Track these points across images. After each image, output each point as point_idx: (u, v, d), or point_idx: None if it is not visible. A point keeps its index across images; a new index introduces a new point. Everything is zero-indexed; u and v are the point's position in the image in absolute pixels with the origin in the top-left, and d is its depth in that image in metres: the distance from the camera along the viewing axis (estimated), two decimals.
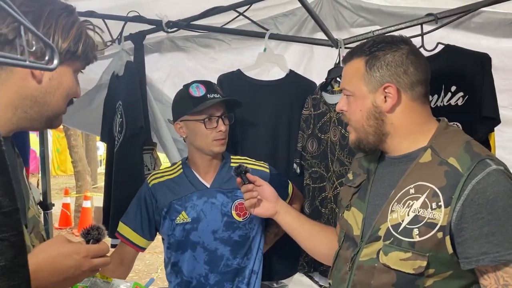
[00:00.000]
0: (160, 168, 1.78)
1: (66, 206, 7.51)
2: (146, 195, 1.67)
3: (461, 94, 1.58)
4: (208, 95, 1.58)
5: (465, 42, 1.65)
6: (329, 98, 1.81)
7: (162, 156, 2.30)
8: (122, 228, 1.68)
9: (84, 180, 7.61)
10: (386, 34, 1.58)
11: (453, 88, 1.60)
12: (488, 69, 1.52)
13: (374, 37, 1.25)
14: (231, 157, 1.72)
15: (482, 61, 1.54)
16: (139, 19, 1.99)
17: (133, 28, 2.06)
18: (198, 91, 1.60)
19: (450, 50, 1.62)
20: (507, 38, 1.68)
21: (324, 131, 1.82)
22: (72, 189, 8.46)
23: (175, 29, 2.02)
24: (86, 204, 7.14)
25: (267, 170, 1.70)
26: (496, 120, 1.53)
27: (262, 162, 1.73)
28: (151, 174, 1.71)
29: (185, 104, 1.61)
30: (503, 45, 1.69)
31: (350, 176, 1.29)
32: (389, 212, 1.05)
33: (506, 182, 0.95)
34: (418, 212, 1.00)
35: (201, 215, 1.61)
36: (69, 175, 11.91)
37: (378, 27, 1.82)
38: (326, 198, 1.81)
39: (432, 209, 0.98)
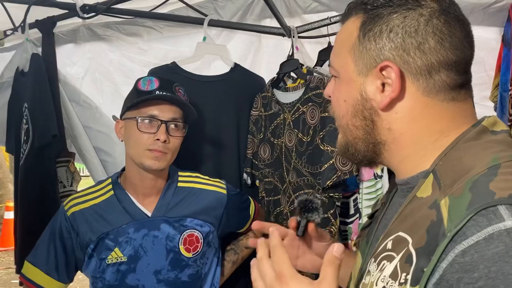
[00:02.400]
0: (82, 190, 1.43)
1: None
2: (63, 227, 1.34)
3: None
4: (157, 91, 1.29)
5: None
6: (282, 96, 1.58)
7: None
8: (29, 270, 1.33)
9: (6, 189, 6.94)
10: None
11: None
12: None
13: None
14: (180, 173, 1.43)
15: None
16: (47, 2, 1.71)
17: (41, 13, 1.77)
18: (148, 85, 1.31)
19: None
20: (479, 26, 1.54)
21: (278, 135, 1.58)
22: None
23: (92, 14, 1.73)
24: (8, 215, 6.51)
25: (224, 191, 1.45)
26: None
27: (218, 180, 1.47)
28: (69, 199, 1.38)
29: (129, 98, 1.33)
30: (475, 33, 1.52)
31: (380, 200, 0.92)
32: (366, 272, 0.70)
33: None
34: (387, 284, 0.62)
35: (140, 252, 1.31)
36: None
37: (335, 13, 1.62)
38: (282, 213, 1.58)
39: (399, 283, 0.59)
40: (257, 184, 1.70)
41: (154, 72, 1.63)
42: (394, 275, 0.60)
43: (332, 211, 1.42)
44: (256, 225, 0.92)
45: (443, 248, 0.54)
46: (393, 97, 0.65)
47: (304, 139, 1.49)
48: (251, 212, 1.52)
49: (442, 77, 0.64)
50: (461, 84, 0.66)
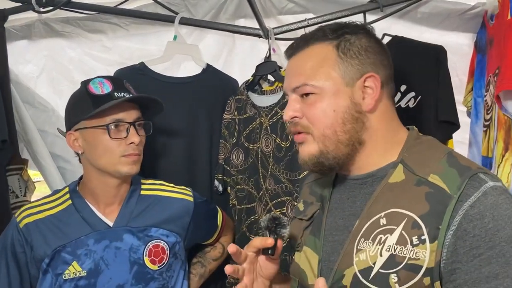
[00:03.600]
0: (36, 200, 1.30)
1: None
2: (15, 241, 1.23)
3: (412, 94, 1.43)
4: (115, 93, 1.21)
5: (407, 34, 1.55)
6: (258, 99, 1.53)
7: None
8: None
9: None
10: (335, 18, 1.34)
11: (403, 88, 1.46)
12: (444, 64, 1.37)
13: (332, 23, 0.94)
14: (142, 181, 1.34)
15: (437, 55, 1.39)
16: None
17: None
18: (101, 88, 1.22)
19: (398, 43, 1.48)
20: (453, 31, 1.57)
21: (253, 140, 1.52)
22: None
23: (49, 8, 1.60)
24: None
25: (190, 199, 1.37)
26: (455, 125, 1.35)
27: (183, 187, 1.39)
28: (22, 209, 1.27)
29: (82, 106, 1.22)
30: (448, 39, 1.57)
31: (300, 206, 1.03)
32: (355, 251, 0.81)
33: (507, 202, 0.75)
34: (395, 251, 0.77)
35: (101, 265, 1.21)
36: None
37: (311, 15, 1.59)
38: (256, 222, 1.52)
39: (413, 245, 0.75)
40: (229, 191, 1.62)
41: (120, 73, 1.54)
42: (401, 241, 0.76)
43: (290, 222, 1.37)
44: (232, 248, 0.86)
45: (453, 206, 0.74)
46: (376, 98, 0.85)
47: (282, 145, 1.43)
48: (218, 221, 1.46)
49: (390, 85, 0.89)
50: (394, 94, 0.92)
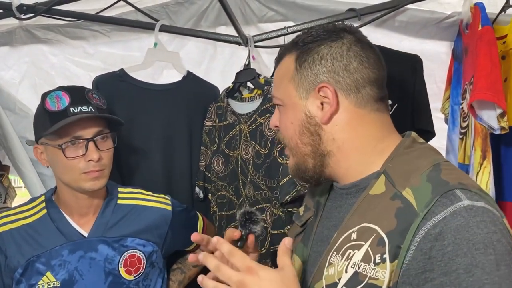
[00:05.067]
0: (12, 208, 1.29)
1: None
2: None
3: (389, 102, 1.40)
4: (71, 108, 1.17)
5: (386, 42, 1.54)
6: (238, 106, 1.53)
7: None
8: None
9: None
10: (325, 23, 1.34)
11: None
12: (420, 73, 1.38)
13: (309, 27, 0.96)
14: (119, 189, 1.33)
15: (413, 64, 1.40)
16: None
17: None
18: (57, 103, 1.18)
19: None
20: (431, 40, 1.59)
21: (233, 147, 1.52)
22: None
23: (30, 15, 1.59)
24: None
25: (169, 208, 1.36)
26: (431, 134, 1.36)
27: (162, 196, 1.38)
28: None
29: (41, 121, 1.20)
30: (427, 47, 1.60)
31: (301, 210, 1.01)
32: (326, 265, 0.78)
33: (480, 226, 0.65)
34: (359, 268, 0.72)
35: (75, 276, 1.20)
36: None
37: (291, 23, 1.60)
38: (236, 229, 1.50)
39: (375, 263, 0.70)
40: (210, 198, 1.63)
41: (99, 80, 1.53)
42: (366, 259, 0.72)
43: (289, 227, 1.38)
44: (196, 236, 0.90)
45: (416, 224, 0.68)
46: (332, 111, 0.80)
47: (261, 151, 1.44)
48: (199, 229, 1.45)
49: (367, 91, 0.80)
50: (382, 97, 0.83)
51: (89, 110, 1.18)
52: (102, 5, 1.63)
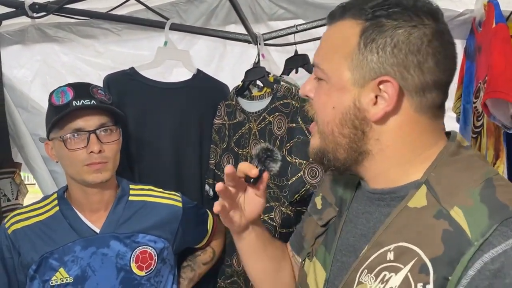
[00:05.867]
0: (25, 206, 1.32)
1: None
2: (4, 246, 1.24)
3: None
4: (74, 102, 1.19)
5: None
6: (247, 105, 1.53)
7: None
8: None
9: None
10: None
11: None
12: None
13: None
14: (131, 186, 1.34)
15: None
16: None
17: None
18: (62, 97, 1.20)
19: None
20: None
21: (242, 145, 1.52)
22: None
23: (42, 13, 1.61)
24: None
25: (179, 204, 1.37)
26: None
27: (173, 193, 1.39)
28: (11, 215, 1.28)
29: (48, 116, 1.23)
30: None
31: (318, 202, 0.89)
32: (356, 283, 0.70)
33: None
34: None
35: (87, 272, 1.22)
36: None
37: (301, 21, 1.59)
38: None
39: None
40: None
41: (110, 78, 1.54)
42: (405, 285, 0.62)
43: (304, 218, 1.37)
44: (229, 169, 0.83)
45: (470, 256, 0.57)
46: (388, 111, 0.67)
47: None
48: (209, 226, 1.45)
49: (433, 96, 0.67)
50: (441, 104, 0.71)
51: (91, 103, 1.20)
52: (113, 3, 1.64)
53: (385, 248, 0.66)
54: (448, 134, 0.74)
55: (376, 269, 0.66)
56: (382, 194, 0.72)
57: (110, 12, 1.64)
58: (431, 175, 0.67)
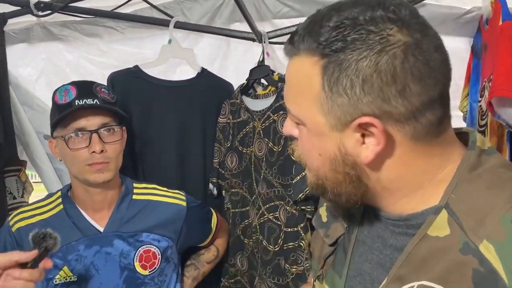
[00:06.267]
0: (30, 203, 1.32)
1: None
2: (7, 244, 1.25)
3: None
4: (76, 101, 1.18)
5: None
6: (251, 103, 1.52)
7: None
8: None
9: None
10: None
11: None
12: None
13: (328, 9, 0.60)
14: (135, 185, 1.33)
15: None
16: None
17: None
18: (65, 96, 1.20)
19: None
20: (450, 36, 1.54)
21: (246, 144, 1.52)
22: None
23: (48, 12, 1.61)
24: None
25: (183, 203, 1.37)
26: None
27: (177, 191, 1.39)
28: (15, 213, 1.29)
29: (52, 115, 1.24)
30: (445, 43, 1.51)
31: (323, 214, 0.81)
32: None
33: None
34: None
35: (91, 270, 1.22)
36: None
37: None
38: (250, 226, 1.51)
39: None
40: (223, 195, 1.63)
41: (114, 76, 1.54)
42: None
43: (302, 225, 1.37)
44: None
45: None
46: (379, 150, 0.57)
47: (274, 149, 1.43)
48: (212, 225, 1.45)
49: (428, 117, 0.57)
50: (446, 114, 0.60)
51: (94, 102, 1.19)
52: (117, 1, 1.63)
53: (407, 285, 0.58)
54: (462, 134, 0.64)
55: None
56: (397, 221, 0.64)
57: (115, 10, 1.64)
58: (451, 197, 0.58)
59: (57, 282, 1.20)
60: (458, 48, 1.57)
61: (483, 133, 1.40)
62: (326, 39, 0.55)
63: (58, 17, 1.67)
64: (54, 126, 1.21)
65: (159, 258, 1.28)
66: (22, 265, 0.92)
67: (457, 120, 1.57)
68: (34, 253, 0.93)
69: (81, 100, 1.18)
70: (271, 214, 1.44)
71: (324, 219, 0.79)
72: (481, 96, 1.42)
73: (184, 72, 1.64)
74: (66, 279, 1.20)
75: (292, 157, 1.37)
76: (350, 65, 0.54)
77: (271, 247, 1.41)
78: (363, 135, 0.58)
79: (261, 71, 1.50)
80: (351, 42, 0.54)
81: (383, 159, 0.59)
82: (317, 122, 0.59)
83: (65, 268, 1.21)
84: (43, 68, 1.77)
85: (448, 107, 0.60)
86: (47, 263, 0.96)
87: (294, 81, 0.62)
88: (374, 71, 0.54)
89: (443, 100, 0.58)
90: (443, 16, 1.47)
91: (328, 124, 0.58)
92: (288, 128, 0.67)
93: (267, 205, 1.45)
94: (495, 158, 0.60)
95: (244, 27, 1.64)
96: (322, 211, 0.81)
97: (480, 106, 1.43)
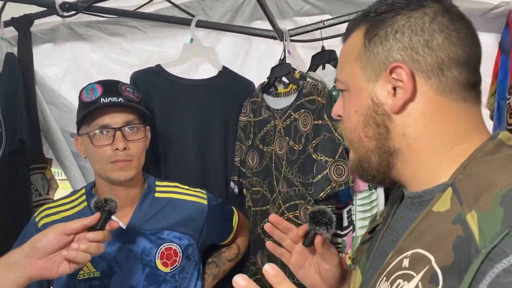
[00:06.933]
0: (55, 200, 1.34)
1: None
2: None
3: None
4: (102, 99, 1.20)
5: None
6: (272, 102, 1.51)
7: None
8: None
9: None
10: None
11: None
12: None
13: None
14: (157, 183, 1.35)
15: None
16: None
17: (17, 10, 1.67)
18: (91, 94, 1.22)
19: None
20: (477, 32, 1.47)
21: (267, 142, 1.51)
22: None
23: (72, 12, 1.65)
24: None
25: (204, 202, 1.37)
26: None
27: (198, 190, 1.39)
28: (41, 209, 1.31)
29: (78, 112, 1.25)
30: None
31: (378, 213, 0.89)
32: None
33: None
34: None
35: (114, 267, 1.23)
36: None
37: (328, 16, 1.56)
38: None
39: None
40: (244, 193, 1.63)
41: (137, 76, 1.56)
42: None
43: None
44: (273, 218, 0.95)
45: (477, 266, 0.51)
46: (407, 98, 0.64)
47: (295, 147, 1.42)
48: (234, 223, 1.45)
49: (454, 73, 0.63)
50: (473, 84, 0.64)
51: (119, 101, 1.20)
52: (140, 1, 1.66)
53: (403, 255, 0.62)
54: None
55: (392, 277, 0.63)
56: (413, 198, 0.69)
57: (137, 10, 1.66)
58: (459, 177, 0.61)
59: (81, 278, 1.22)
60: (485, 44, 1.50)
61: (511, 131, 1.36)
62: (374, 9, 0.67)
63: (82, 17, 1.71)
64: (79, 123, 1.23)
65: (180, 255, 1.29)
66: (91, 229, 0.97)
67: (484, 118, 1.53)
68: (98, 216, 0.98)
69: (106, 98, 1.19)
70: (291, 213, 1.43)
71: (377, 217, 0.86)
72: (510, 94, 1.37)
73: (206, 71, 1.65)
74: (89, 275, 1.22)
75: (313, 156, 1.35)
76: (386, 21, 0.65)
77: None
78: (394, 88, 0.65)
79: (282, 69, 1.49)
80: (392, 7, 0.66)
81: (411, 111, 0.65)
82: (356, 78, 0.68)
83: (89, 264, 1.22)
84: (68, 68, 1.81)
85: (478, 80, 0.65)
86: (113, 224, 1.00)
87: (343, 54, 0.73)
88: (406, 23, 0.64)
89: (472, 66, 0.64)
90: (470, 11, 1.42)
91: (365, 76, 0.67)
92: (337, 108, 0.76)
93: (287, 204, 1.44)
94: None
95: (265, 25, 1.64)
96: (379, 214, 0.87)
97: (509, 103, 1.39)
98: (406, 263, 0.61)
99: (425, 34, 0.63)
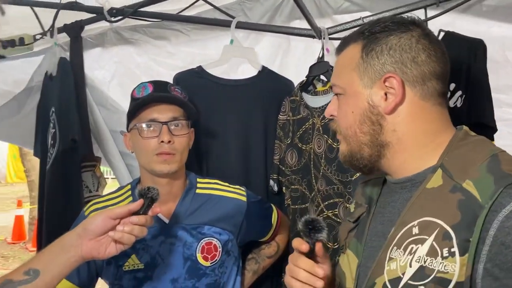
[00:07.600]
0: (102, 195, 1.42)
1: (19, 218, 7.01)
2: None
3: (459, 93, 1.31)
4: (153, 95, 1.29)
5: (472, 29, 1.41)
6: (310, 100, 1.52)
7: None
8: None
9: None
10: (393, 15, 1.28)
11: (452, 86, 1.32)
12: (478, 60, 1.25)
13: (376, 19, 0.95)
14: (198, 180, 1.39)
15: (475, 50, 1.27)
16: (75, 6, 1.71)
17: (69, 17, 1.77)
18: (142, 91, 1.31)
19: (449, 38, 1.34)
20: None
21: (306, 140, 1.52)
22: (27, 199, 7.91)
23: (119, 17, 1.72)
24: None
25: (244, 198, 1.40)
26: (491, 129, 1.24)
27: (238, 187, 1.43)
28: (89, 204, 1.39)
29: (129, 109, 1.33)
30: (502, 32, 1.43)
31: (351, 207, 1.03)
32: (387, 260, 0.79)
33: None
34: (425, 262, 0.73)
35: (157, 259, 1.29)
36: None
37: (368, 13, 1.55)
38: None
39: (443, 257, 0.71)
40: (284, 191, 1.64)
41: (179, 77, 1.61)
42: (432, 253, 0.72)
43: (340, 225, 1.34)
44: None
45: (484, 216, 0.68)
46: (397, 102, 0.81)
47: (334, 145, 1.42)
48: (273, 220, 1.47)
49: (433, 84, 0.82)
50: (444, 93, 0.84)
51: (168, 96, 1.29)
52: (182, 5, 1.71)
53: (409, 225, 0.77)
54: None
55: (404, 244, 0.76)
56: (404, 182, 0.84)
57: (180, 13, 1.72)
58: (445, 159, 0.78)
59: (126, 269, 1.28)
60: None
61: None
62: (368, 29, 0.84)
63: (128, 22, 1.79)
64: (130, 117, 1.31)
65: (220, 250, 1.32)
66: (135, 214, 1.03)
67: None
68: (141, 202, 1.05)
69: (157, 95, 1.28)
70: (330, 211, 1.43)
71: (352, 210, 1.01)
72: None
73: (246, 71, 1.68)
74: (134, 267, 1.28)
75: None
76: (381, 39, 0.82)
77: (330, 244, 1.40)
78: (386, 94, 0.82)
79: (320, 68, 1.49)
80: (385, 28, 0.83)
81: (400, 112, 0.82)
82: (354, 83, 0.84)
83: (134, 256, 1.28)
84: (116, 71, 1.90)
85: (446, 90, 0.85)
86: (155, 209, 1.07)
87: (340, 64, 0.88)
88: (398, 42, 0.81)
89: (444, 80, 0.83)
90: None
91: (362, 83, 0.83)
92: (330, 109, 0.90)
93: (326, 202, 1.44)
94: (478, 137, 0.82)
95: (304, 24, 1.64)
96: (351, 206, 1.02)
97: None
98: (415, 230, 0.75)
99: (413, 51, 0.81)
